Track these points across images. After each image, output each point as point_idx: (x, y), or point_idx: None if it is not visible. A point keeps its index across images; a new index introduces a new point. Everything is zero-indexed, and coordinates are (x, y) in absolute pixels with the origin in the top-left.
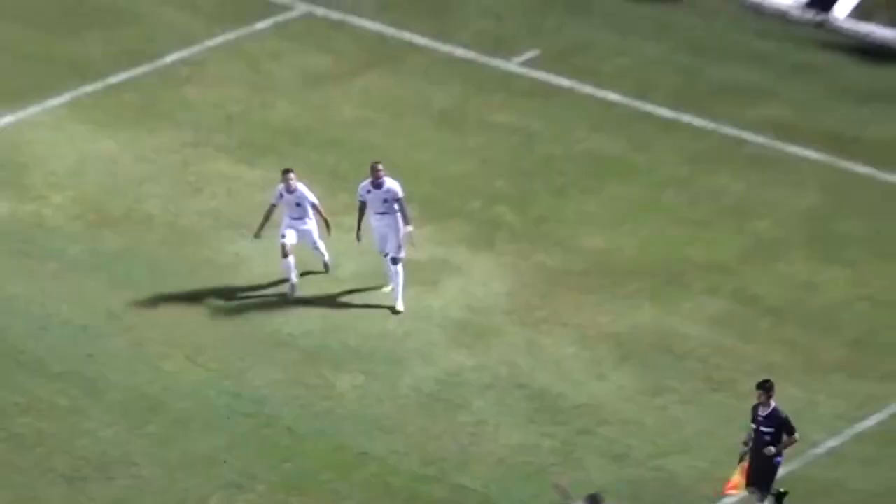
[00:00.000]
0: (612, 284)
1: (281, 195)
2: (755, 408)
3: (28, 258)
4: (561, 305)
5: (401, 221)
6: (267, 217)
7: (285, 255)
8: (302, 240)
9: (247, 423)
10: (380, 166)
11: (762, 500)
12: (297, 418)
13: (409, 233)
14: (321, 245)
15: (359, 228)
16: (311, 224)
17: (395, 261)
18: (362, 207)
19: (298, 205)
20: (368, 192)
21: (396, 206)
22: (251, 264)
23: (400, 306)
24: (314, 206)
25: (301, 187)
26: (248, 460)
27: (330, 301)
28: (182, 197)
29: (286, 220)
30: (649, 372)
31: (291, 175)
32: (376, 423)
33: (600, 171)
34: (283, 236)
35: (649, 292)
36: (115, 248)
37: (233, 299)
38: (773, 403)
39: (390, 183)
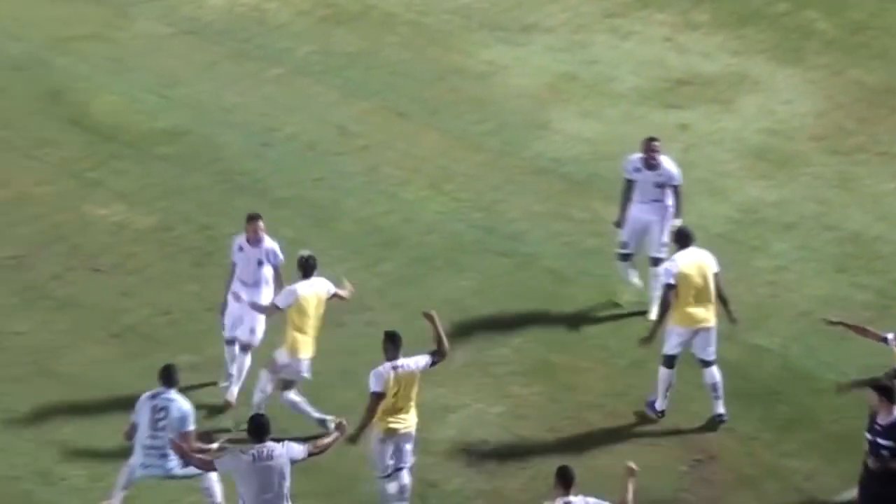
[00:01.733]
0: None
1: (240, 248)
2: (872, 414)
3: (248, 61)
4: (881, 131)
5: (670, 213)
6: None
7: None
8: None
9: (500, 264)
10: (657, 143)
11: None
12: (561, 258)
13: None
14: (258, 336)
15: (623, 211)
16: (267, 293)
17: (657, 261)
18: (629, 187)
19: (261, 263)
20: (638, 170)
21: (670, 194)
22: (508, 75)
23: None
24: (276, 268)
25: (268, 240)
26: (502, 307)
27: (602, 122)
28: None
29: (236, 290)
30: None
31: (260, 224)
32: None
33: None
34: (228, 330)
35: None
36: (349, 50)
37: (486, 115)
38: (895, 410)
39: (667, 164)
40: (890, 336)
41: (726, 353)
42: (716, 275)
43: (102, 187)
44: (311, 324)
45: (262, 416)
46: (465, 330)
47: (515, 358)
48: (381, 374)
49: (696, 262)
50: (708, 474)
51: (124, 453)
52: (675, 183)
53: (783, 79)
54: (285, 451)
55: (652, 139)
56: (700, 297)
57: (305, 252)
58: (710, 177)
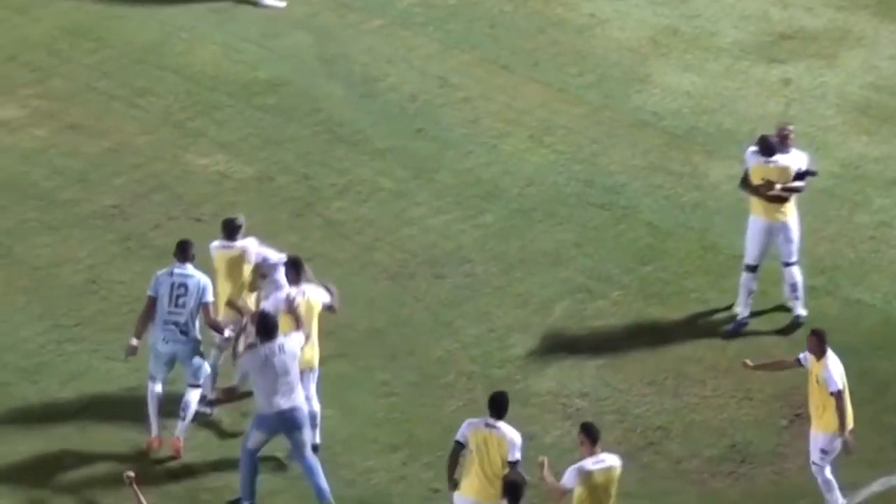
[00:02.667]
0: None
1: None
2: None
3: (350, 12)
4: None
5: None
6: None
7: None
8: None
9: (599, 216)
10: (790, 129)
11: None
12: (660, 212)
13: None
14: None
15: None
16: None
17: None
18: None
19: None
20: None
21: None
22: (609, 28)
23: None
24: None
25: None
26: (600, 260)
27: (702, 76)
28: None
29: None
30: None
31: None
32: None
33: None
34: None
35: None
36: (450, 1)
37: (586, 68)
38: None
39: (797, 154)
40: (801, 356)
41: (827, 307)
42: (797, 171)
43: (203, 137)
44: (219, 283)
45: (269, 315)
46: (563, 282)
47: (614, 311)
48: (278, 300)
49: (777, 168)
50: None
51: (227, 405)
52: (811, 170)
53: (887, 34)
54: (293, 343)
55: (786, 125)
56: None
57: (236, 216)
58: (812, 132)
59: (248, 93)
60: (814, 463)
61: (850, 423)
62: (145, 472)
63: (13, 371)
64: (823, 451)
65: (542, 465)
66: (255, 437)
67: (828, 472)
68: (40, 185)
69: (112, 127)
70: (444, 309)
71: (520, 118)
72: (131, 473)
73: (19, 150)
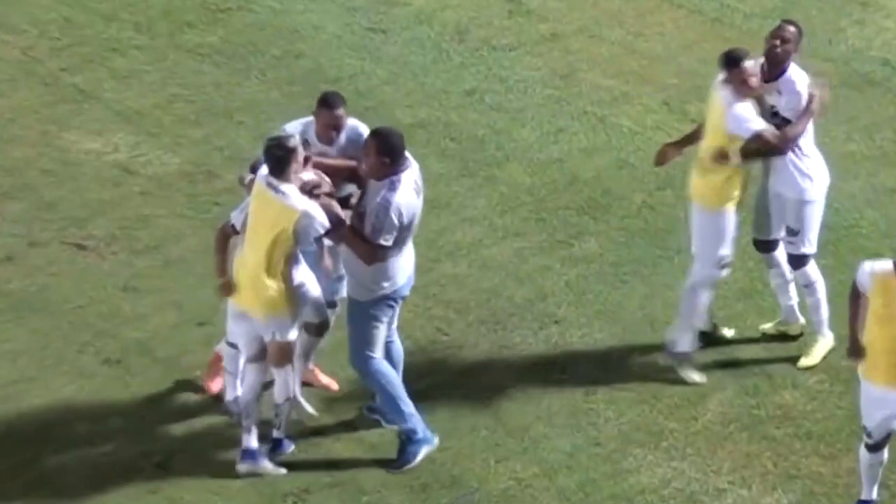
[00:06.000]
0: None
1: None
2: None
3: None
4: None
5: None
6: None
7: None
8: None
9: None
10: None
11: None
12: None
13: None
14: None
15: None
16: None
17: None
18: None
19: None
20: None
21: None
22: None
23: None
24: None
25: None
26: None
27: None
28: None
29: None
30: None
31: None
32: None
33: None
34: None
35: None
36: None
37: None
38: None
39: None
40: None
41: None
42: None
43: (94, 102)
44: None
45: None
46: (732, 373)
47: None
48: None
49: None
50: None
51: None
52: None
53: None
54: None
55: None
56: None
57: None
58: None
59: (172, 25)
60: None
61: None
62: None
63: None
64: None
65: None
66: (385, 325)
67: None
68: None
69: None
70: (513, 405)
71: (646, 71)
72: None
73: None
